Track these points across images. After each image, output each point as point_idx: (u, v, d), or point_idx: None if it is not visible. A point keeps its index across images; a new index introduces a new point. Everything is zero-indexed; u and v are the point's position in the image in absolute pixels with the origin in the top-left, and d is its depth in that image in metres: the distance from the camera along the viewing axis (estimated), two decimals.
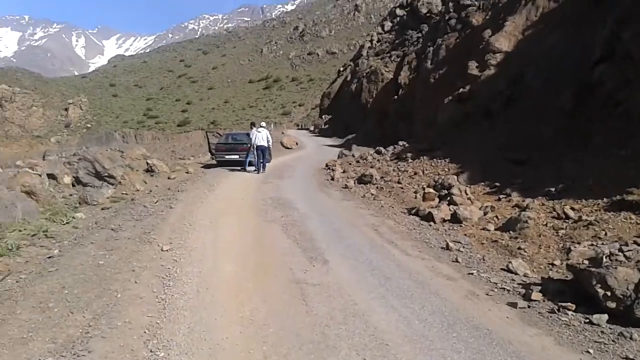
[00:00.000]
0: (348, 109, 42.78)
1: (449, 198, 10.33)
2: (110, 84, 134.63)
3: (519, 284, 5.98)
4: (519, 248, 7.35)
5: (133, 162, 15.15)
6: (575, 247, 6.55)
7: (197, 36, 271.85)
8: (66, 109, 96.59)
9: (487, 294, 5.60)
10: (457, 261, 6.86)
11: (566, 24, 14.46)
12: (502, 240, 7.81)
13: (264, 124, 18.40)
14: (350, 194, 12.91)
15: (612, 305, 4.82)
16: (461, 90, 17.39)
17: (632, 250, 5.73)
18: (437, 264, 6.75)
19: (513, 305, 5.27)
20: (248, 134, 17.79)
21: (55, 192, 10.34)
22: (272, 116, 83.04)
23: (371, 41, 54.10)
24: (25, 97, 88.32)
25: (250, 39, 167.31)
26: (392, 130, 27.88)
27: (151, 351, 4.07)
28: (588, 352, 4.25)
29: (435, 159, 15.06)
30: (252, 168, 17.17)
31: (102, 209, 9.86)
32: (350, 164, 19.15)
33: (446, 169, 13.78)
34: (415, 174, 14.20)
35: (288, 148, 31.24)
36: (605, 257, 5.58)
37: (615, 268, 4.98)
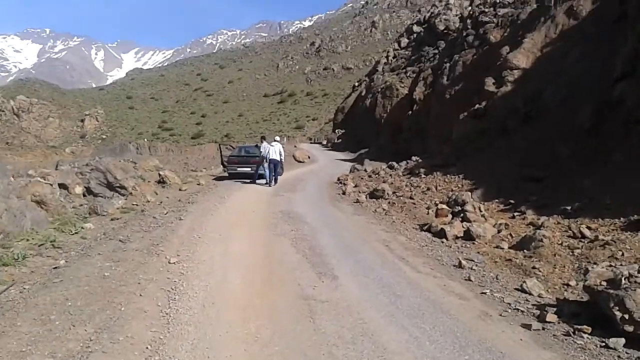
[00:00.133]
0: (361, 124, 42.75)
1: (462, 215, 10.12)
2: (127, 97, 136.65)
3: (533, 304, 5.78)
4: (534, 267, 7.13)
5: (145, 173, 15.18)
6: (592, 267, 6.30)
7: (214, 51, 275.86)
8: (82, 120, 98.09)
9: (500, 315, 5.41)
10: (469, 280, 6.67)
11: (586, 41, 14.32)
12: (516, 259, 7.59)
13: (277, 138, 18.44)
14: (362, 208, 12.76)
15: (630, 328, 4.63)
16: (477, 106, 17.25)
17: None
18: (449, 282, 6.56)
19: (527, 327, 5.07)
20: (258, 147, 17.84)
21: (66, 202, 10.31)
22: (285, 130, 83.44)
23: (387, 57, 54.29)
24: (42, 108, 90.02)
25: (267, 54, 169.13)
26: (405, 146, 27.76)
27: None
28: None
29: (448, 175, 14.86)
30: (263, 181, 17.13)
31: (112, 219, 9.81)
32: (362, 178, 19.00)
33: (460, 185, 13.57)
34: (428, 189, 14.01)
35: (300, 161, 31.21)
36: (624, 279, 5.34)
37: (634, 290, 4.78)
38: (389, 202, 13.12)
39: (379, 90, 40.75)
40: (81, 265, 6.46)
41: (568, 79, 13.67)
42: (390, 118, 35.22)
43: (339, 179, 18.88)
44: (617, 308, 4.73)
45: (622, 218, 8.04)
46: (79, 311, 4.93)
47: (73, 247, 7.54)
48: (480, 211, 10.20)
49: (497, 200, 11.46)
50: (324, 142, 55.57)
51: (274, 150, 16.66)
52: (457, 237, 9.11)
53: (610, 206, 8.65)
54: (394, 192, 14.13)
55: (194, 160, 37.92)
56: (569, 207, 9.21)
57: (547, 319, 5.18)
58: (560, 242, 7.84)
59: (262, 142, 17.68)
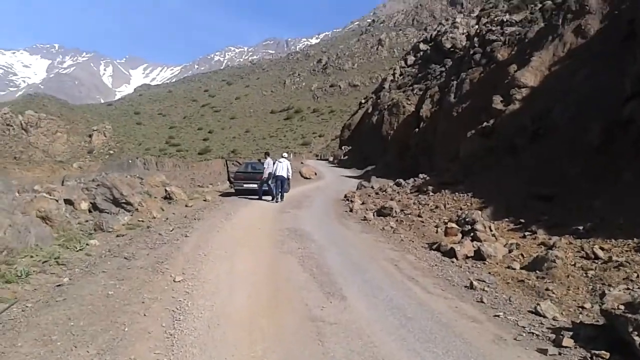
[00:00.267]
0: (368, 141, 42.79)
1: (472, 234, 9.97)
2: (135, 112, 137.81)
3: (548, 328, 5.60)
4: (547, 289, 6.95)
5: (152, 189, 15.15)
6: (608, 290, 6.14)
7: (222, 67, 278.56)
8: (90, 136, 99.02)
9: (515, 339, 5.23)
10: (482, 301, 6.50)
11: (594, 60, 14.28)
12: (529, 280, 7.43)
13: (285, 154, 18.47)
14: (369, 226, 12.64)
15: None
16: (485, 124, 17.20)
17: None
18: (461, 304, 6.40)
19: (543, 352, 4.90)
20: (262, 163, 17.88)
21: (71, 217, 10.23)
22: (292, 146, 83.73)
23: (394, 74, 54.59)
24: (50, 122, 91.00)
25: (274, 71, 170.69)
26: (412, 163, 27.71)
27: None
28: None
29: (457, 193, 14.71)
30: (268, 197, 17.09)
31: (117, 236, 9.74)
32: (369, 195, 18.89)
33: (469, 204, 13.42)
34: (437, 207, 13.86)
35: (307, 178, 31.17)
36: None
37: None
38: (397, 220, 12.99)
39: (386, 107, 40.86)
40: (85, 283, 6.37)
41: (576, 97, 13.60)
42: (397, 135, 35.23)
43: (345, 196, 18.78)
44: (636, 333, 4.56)
45: (635, 239, 7.88)
46: (81, 331, 4.81)
47: (77, 264, 7.45)
48: (491, 230, 10.06)
49: (506, 219, 11.30)
50: (331, 159, 55.68)
51: (282, 166, 16.67)
52: (467, 257, 8.96)
53: (623, 226, 8.50)
54: (401, 210, 14.01)
55: (201, 175, 37.94)
56: (580, 227, 9.05)
57: (564, 344, 5.01)
58: (573, 263, 7.68)
59: (265, 157, 17.71)
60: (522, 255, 8.74)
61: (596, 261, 7.58)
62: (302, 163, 42.33)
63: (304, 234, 10.82)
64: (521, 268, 8.09)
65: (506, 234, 10.35)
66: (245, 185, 18.17)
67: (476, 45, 25.35)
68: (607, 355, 4.71)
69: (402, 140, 32.47)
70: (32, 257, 7.29)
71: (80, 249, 8.26)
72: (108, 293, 5.97)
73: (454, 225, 10.89)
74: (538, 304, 6.18)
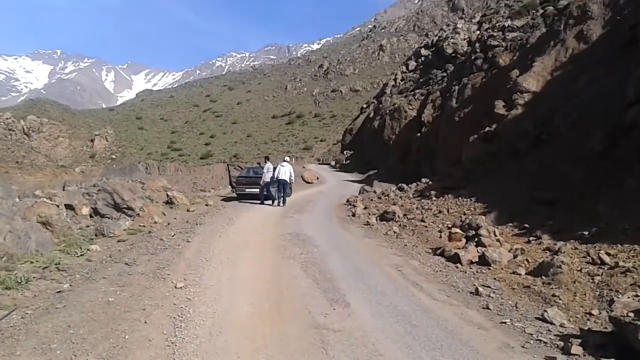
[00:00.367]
0: (370, 145, 42.76)
1: (476, 239, 9.90)
2: (137, 117, 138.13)
3: (556, 335, 5.53)
4: (553, 295, 6.88)
5: (153, 194, 15.09)
6: (617, 297, 6.07)
7: (223, 73, 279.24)
8: (92, 140, 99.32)
9: (522, 347, 5.16)
10: (487, 308, 6.43)
11: (596, 65, 14.24)
12: (535, 285, 7.35)
13: (287, 158, 18.42)
14: (372, 231, 12.58)
15: None
16: (487, 129, 17.15)
17: None
18: (467, 310, 6.33)
19: None
20: (261, 166, 17.90)
21: (72, 223, 10.15)
22: (293, 151, 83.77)
23: (395, 79, 54.58)
24: (52, 127, 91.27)
25: (276, 76, 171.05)
26: (414, 167, 27.66)
27: None
28: None
29: (460, 198, 14.64)
30: (269, 201, 17.07)
31: (119, 241, 9.67)
32: (371, 200, 18.83)
33: (472, 208, 13.35)
34: (440, 212, 13.79)
35: (309, 182, 31.12)
36: None
37: None
38: (399, 225, 12.92)
39: (387, 112, 40.84)
40: (85, 289, 6.30)
41: (579, 102, 13.55)
42: (399, 140, 35.20)
43: (348, 201, 18.72)
44: None
45: None
46: (81, 339, 4.73)
47: (78, 270, 7.37)
48: (495, 235, 9.99)
49: (510, 224, 11.23)
50: (332, 163, 55.65)
51: (284, 170, 16.64)
52: (472, 262, 8.88)
53: (627, 232, 8.42)
54: (404, 215, 13.94)
55: (203, 180, 37.89)
56: (586, 232, 8.97)
57: (572, 351, 4.94)
58: (579, 269, 7.60)
59: (265, 162, 17.69)
60: (527, 260, 8.67)
61: (602, 267, 7.50)
62: (304, 167, 42.28)
63: (307, 238, 10.77)
64: (527, 273, 8.02)
65: (511, 239, 10.27)
66: (247, 190, 18.15)
67: (478, 50, 25.34)
68: None
69: (404, 145, 32.43)
70: (32, 262, 7.21)
71: (81, 255, 8.18)
72: (108, 300, 5.90)
73: (457, 230, 10.81)
74: (545, 311, 6.11)
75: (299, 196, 21.13)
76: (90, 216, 11.37)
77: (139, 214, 11.99)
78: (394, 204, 15.88)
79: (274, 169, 17.08)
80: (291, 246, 9.89)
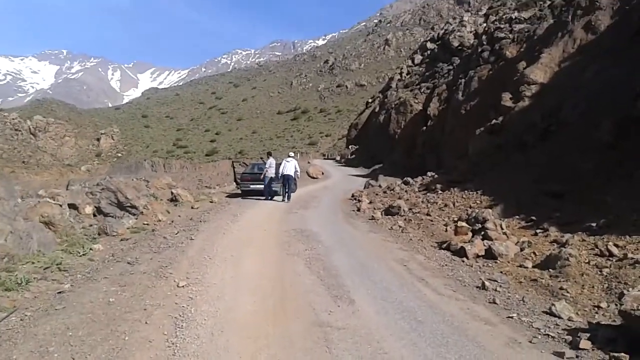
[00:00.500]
0: (375, 140, 42.58)
1: (483, 232, 9.76)
2: (143, 115, 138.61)
3: (564, 329, 5.40)
4: (561, 288, 6.74)
5: (158, 192, 15.06)
6: (627, 290, 5.93)
7: (229, 70, 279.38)
8: (98, 139, 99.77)
9: (530, 342, 5.04)
10: (494, 302, 6.31)
11: (604, 55, 14.03)
12: (542, 279, 7.22)
13: (292, 154, 18.36)
14: (377, 225, 12.47)
15: None
16: (494, 121, 16.98)
17: None
18: (473, 305, 6.20)
19: (560, 355, 4.70)
20: (264, 161, 17.86)
21: (75, 222, 10.07)
22: (298, 146, 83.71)
23: (401, 73, 54.32)
24: (58, 127, 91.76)
25: (281, 72, 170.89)
26: (419, 161, 27.51)
27: None
28: None
29: (466, 191, 14.48)
30: (277, 198, 17.06)
31: (122, 240, 9.61)
32: (377, 194, 18.70)
33: (478, 202, 13.20)
34: (446, 206, 13.66)
35: (314, 177, 31.03)
36: None
37: None
38: (405, 219, 12.81)
39: (393, 106, 40.61)
40: (86, 290, 6.21)
41: (587, 93, 13.35)
42: (404, 134, 35.01)
43: (353, 195, 18.62)
44: None
45: None
46: (80, 342, 4.64)
47: (80, 269, 7.30)
48: (502, 228, 9.84)
49: (517, 217, 11.08)
50: (338, 158, 55.59)
51: (289, 166, 16.60)
52: (478, 256, 8.76)
53: (637, 223, 8.26)
54: (410, 209, 13.82)
55: (208, 177, 37.92)
56: (594, 224, 8.81)
57: (581, 346, 4.81)
58: (587, 261, 7.45)
59: (268, 157, 17.63)
60: (534, 253, 8.52)
61: (611, 259, 7.35)
62: (309, 163, 42.22)
63: (311, 234, 10.68)
64: (534, 267, 7.89)
65: (517, 232, 10.12)
66: (252, 186, 18.10)
67: (484, 43, 25.12)
68: (627, 357, 4.49)
69: (410, 139, 32.26)
70: (33, 263, 7.14)
71: (83, 254, 8.12)
72: (109, 300, 5.82)
73: (463, 223, 10.68)
74: (553, 304, 5.98)
75: (304, 191, 21.06)
76: (94, 215, 11.35)
77: (142, 212, 11.94)
78: (400, 198, 15.76)
79: (279, 164, 17.00)
80: (295, 242, 9.80)
